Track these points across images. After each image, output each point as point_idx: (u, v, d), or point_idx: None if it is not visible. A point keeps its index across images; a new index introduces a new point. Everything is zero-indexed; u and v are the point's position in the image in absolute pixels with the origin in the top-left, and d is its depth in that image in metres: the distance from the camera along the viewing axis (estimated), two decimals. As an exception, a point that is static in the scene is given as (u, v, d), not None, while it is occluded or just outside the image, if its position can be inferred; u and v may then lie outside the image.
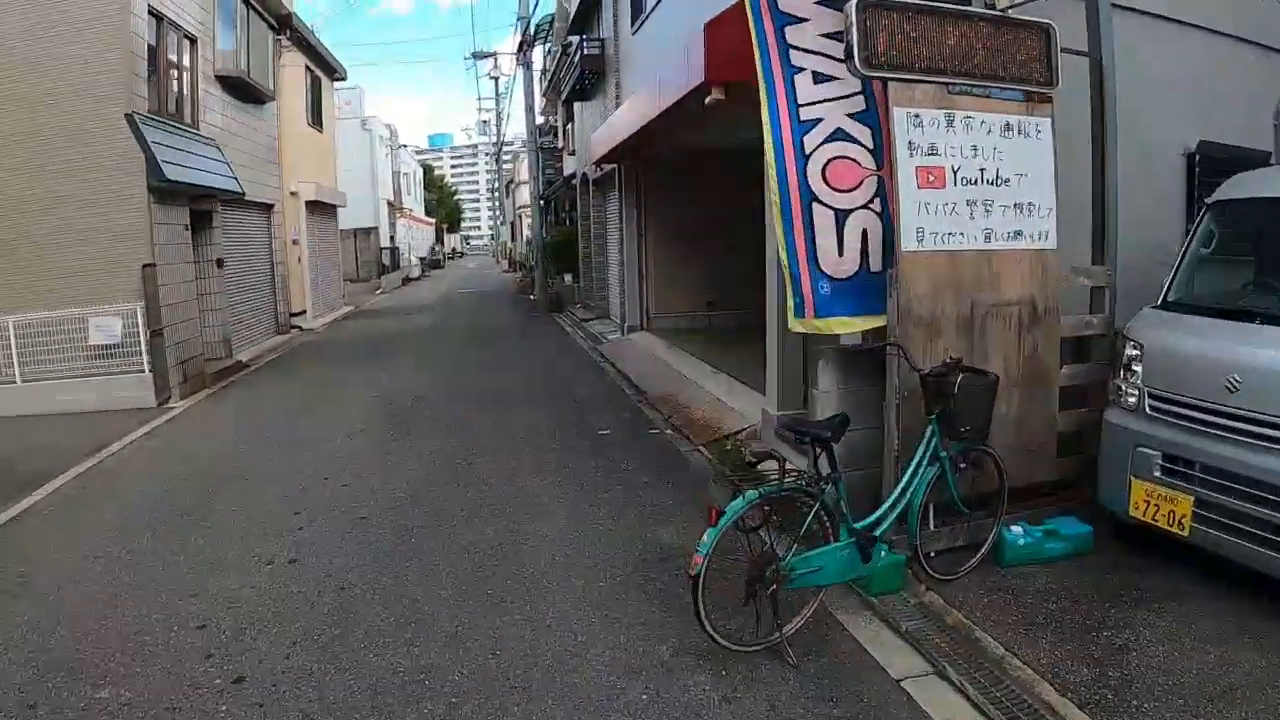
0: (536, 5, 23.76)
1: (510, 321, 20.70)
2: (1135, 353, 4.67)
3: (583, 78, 18.50)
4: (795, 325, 4.76)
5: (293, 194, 19.13)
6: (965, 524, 4.74)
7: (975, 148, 4.66)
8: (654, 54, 12.15)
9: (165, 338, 10.98)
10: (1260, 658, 3.64)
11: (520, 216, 48.95)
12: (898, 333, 4.54)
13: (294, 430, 9.07)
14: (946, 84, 4.59)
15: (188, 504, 6.56)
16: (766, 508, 3.69)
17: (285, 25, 18.32)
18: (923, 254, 4.54)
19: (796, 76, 4.68)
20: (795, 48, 4.71)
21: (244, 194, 14.50)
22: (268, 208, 17.18)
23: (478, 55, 33.54)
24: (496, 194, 69.55)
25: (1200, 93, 6.97)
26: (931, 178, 4.54)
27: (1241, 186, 4.89)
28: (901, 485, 4.27)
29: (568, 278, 24.42)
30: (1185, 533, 4.23)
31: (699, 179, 14.34)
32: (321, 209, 21.98)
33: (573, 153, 23.75)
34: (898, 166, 4.46)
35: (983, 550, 4.71)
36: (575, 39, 19.29)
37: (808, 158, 4.63)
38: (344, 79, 24.53)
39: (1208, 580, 4.29)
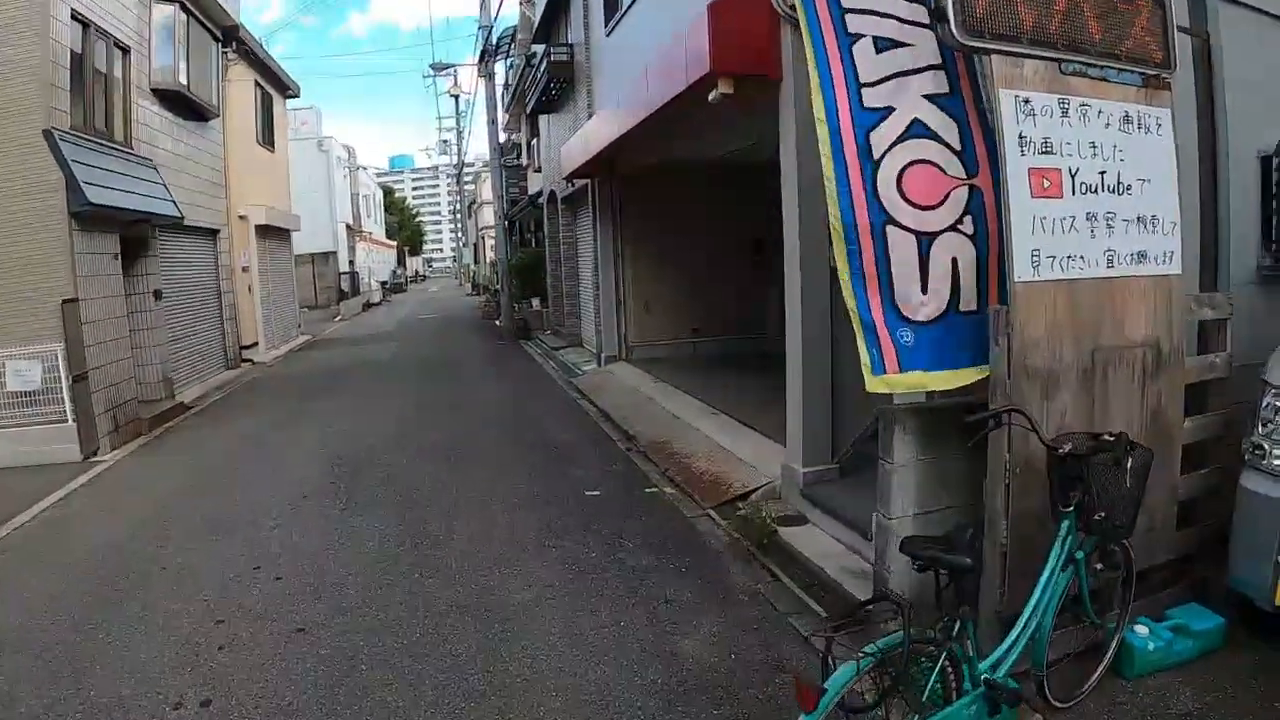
0: (499, 10, 22.60)
1: (476, 350, 19.36)
2: (1280, 403, 3.67)
3: (550, 87, 17.29)
4: (874, 385, 3.61)
5: (241, 217, 17.73)
6: (1080, 628, 3.68)
7: (1094, 145, 3.55)
8: (634, 53, 10.97)
9: (91, 381, 9.72)
10: None
11: (483, 238, 47.73)
12: (1008, 389, 3.43)
13: (230, 495, 7.74)
14: (1059, 61, 3.48)
15: (92, 605, 5.28)
16: (886, 676, 2.50)
17: (231, 37, 17.00)
18: (1038, 285, 3.43)
19: (855, 47, 3.56)
20: (852, 10, 3.59)
21: (183, 218, 13.19)
22: (213, 233, 15.89)
23: (437, 68, 32.17)
24: (458, 215, 68.17)
25: (1278, 89, 6.06)
26: (1046, 183, 3.42)
27: None
28: (1032, 603, 3.12)
29: (535, 302, 23.19)
30: (1352, 628, 3.29)
31: (681, 195, 13.28)
32: (274, 233, 20.63)
33: (539, 170, 22.59)
34: (1006, 168, 3.34)
35: (1105, 661, 3.70)
36: (540, 48, 18.15)
37: (877, 163, 3.50)
38: (297, 96, 23.23)
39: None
